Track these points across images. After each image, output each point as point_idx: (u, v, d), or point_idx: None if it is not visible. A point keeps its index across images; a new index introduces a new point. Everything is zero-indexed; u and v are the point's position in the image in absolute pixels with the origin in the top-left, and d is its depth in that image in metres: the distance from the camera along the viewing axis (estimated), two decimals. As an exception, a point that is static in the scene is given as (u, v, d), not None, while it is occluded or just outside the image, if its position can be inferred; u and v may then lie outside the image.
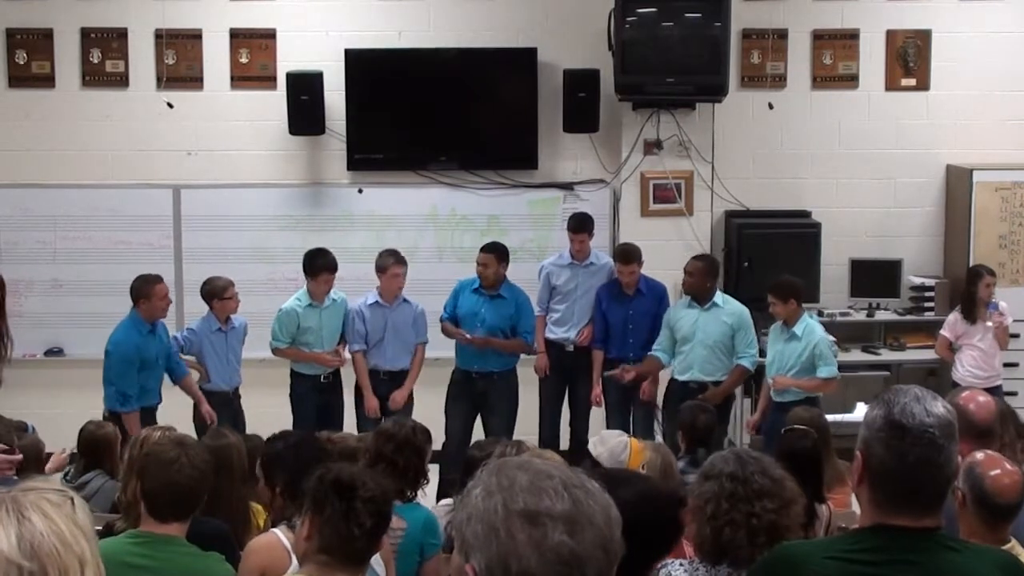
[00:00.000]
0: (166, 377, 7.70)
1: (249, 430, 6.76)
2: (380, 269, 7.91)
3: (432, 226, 9.09)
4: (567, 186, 9.16)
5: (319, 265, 7.86)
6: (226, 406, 7.80)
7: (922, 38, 9.26)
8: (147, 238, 9.06)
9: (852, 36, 9.25)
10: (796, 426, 5.30)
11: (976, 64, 9.23)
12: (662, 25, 8.66)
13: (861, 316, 9.16)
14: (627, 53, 8.52)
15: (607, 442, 4.59)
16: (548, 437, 8.20)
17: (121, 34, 9.05)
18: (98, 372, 8.88)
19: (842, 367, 7.98)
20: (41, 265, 9.06)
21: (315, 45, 9.03)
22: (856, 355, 8.99)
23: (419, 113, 9.12)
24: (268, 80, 9.08)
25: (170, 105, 9.04)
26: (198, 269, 8.53)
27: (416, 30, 9.08)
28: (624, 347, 8.09)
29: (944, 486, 2.50)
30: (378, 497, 3.34)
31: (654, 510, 3.03)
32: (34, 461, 5.57)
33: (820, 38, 9.25)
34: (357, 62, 8.94)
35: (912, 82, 9.29)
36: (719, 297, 7.91)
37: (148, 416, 7.29)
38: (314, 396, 7.94)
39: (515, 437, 6.81)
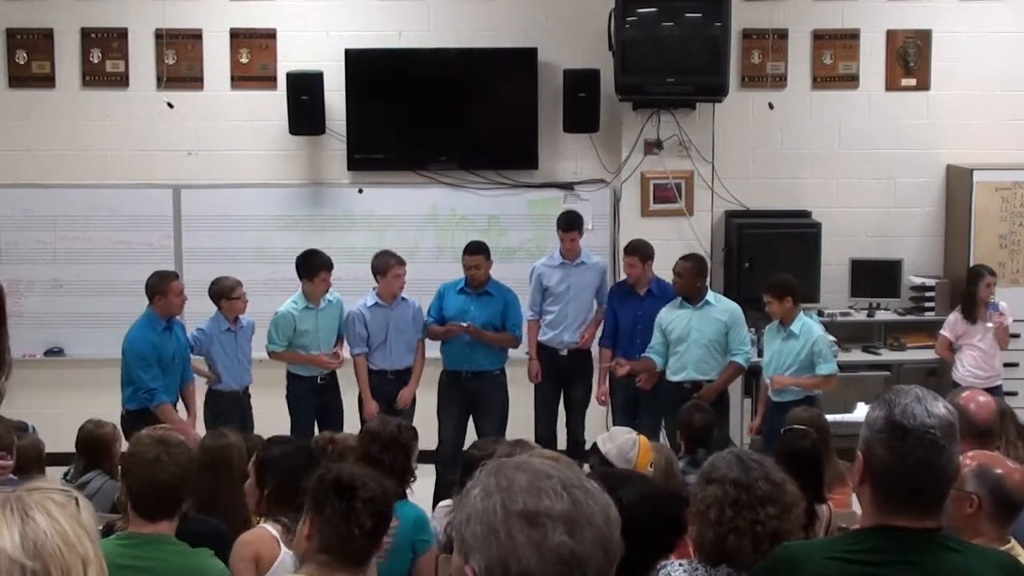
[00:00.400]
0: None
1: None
2: (380, 271, 7.89)
3: (432, 226, 9.09)
4: (567, 186, 9.17)
5: (316, 264, 7.86)
6: (236, 405, 7.78)
7: (922, 38, 9.26)
8: (147, 238, 9.06)
9: (852, 36, 9.26)
10: (796, 426, 5.30)
11: (976, 64, 9.23)
12: (662, 25, 8.66)
13: (861, 316, 9.16)
14: (627, 53, 8.52)
15: (616, 439, 4.58)
16: (544, 439, 8.16)
17: (121, 34, 9.05)
18: (98, 372, 8.91)
19: (842, 367, 7.99)
20: (41, 265, 9.06)
21: (315, 45, 9.03)
22: (856, 355, 8.99)
23: (419, 113, 9.12)
24: (268, 80, 9.08)
25: (170, 105, 9.04)
26: (198, 269, 8.53)
27: (416, 30, 9.08)
28: (631, 347, 8.05)
29: (945, 487, 2.50)
30: (378, 497, 3.34)
31: (655, 509, 3.03)
32: (35, 461, 5.57)
33: (820, 38, 9.25)
34: (357, 62, 8.94)
35: (912, 82, 9.30)
36: (711, 296, 7.91)
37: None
38: (311, 397, 7.94)
39: (512, 439, 6.79)
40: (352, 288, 8.23)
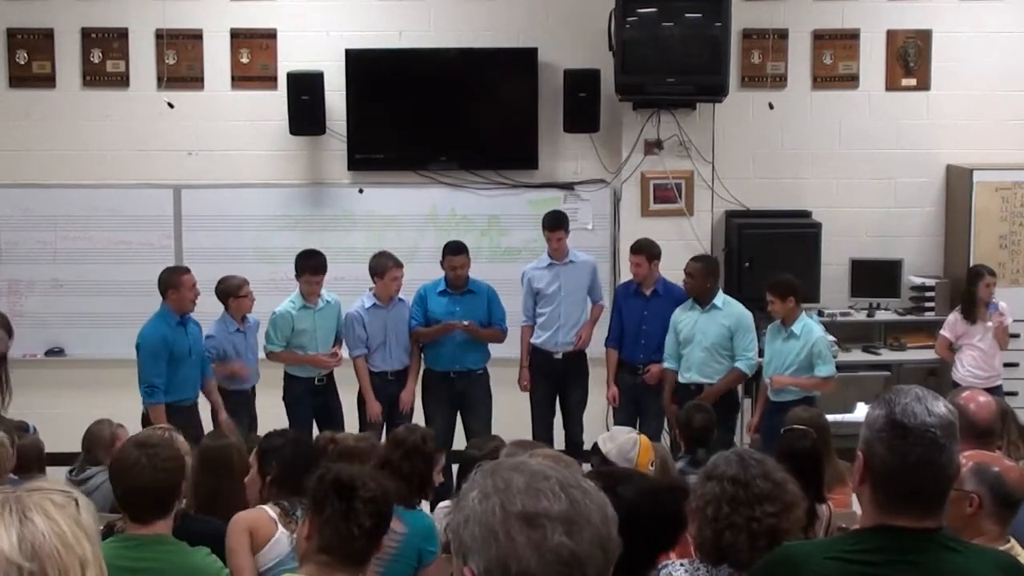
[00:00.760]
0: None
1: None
2: (377, 272, 7.89)
3: (432, 226, 9.08)
4: (567, 186, 9.17)
5: (299, 266, 7.88)
6: (245, 405, 7.79)
7: (922, 38, 9.26)
8: (147, 238, 9.06)
9: (852, 36, 9.25)
10: (795, 426, 5.30)
11: (976, 64, 9.23)
12: (662, 25, 8.65)
13: (861, 316, 9.16)
14: (627, 53, 8.52)
15: (616, 438, 4.59)
16: (541, 441, 8.16)
17: (122, 34, 9.06)
18: (98, 372, 8.95)
19: (842, 367, 7.99)
20: (41, 265, 9.06)
21: (315, 45, 9.03)
22: (856, 355, 8.98)
23: (419, 113, 9.12)
24: (269, 80, 9.08)
25: (171, 105, 9.04)
26: (199, 269, 8.47)
27: (416, 30, 9.08)
28: (636, 348, 8.03)
29: (946, 486, 2.50)
30: (378, 497, 3.34)
31: (655, 505, 3.03)
32: (35, 461, 5.57)
33: (820, 38, 9.25)
34: (357, 62, 8.94)
35: (912, 82, 9.30)
36: (719, 299, 7.87)
37: (184, 413, 7.18)
38: (309, 399, 7.92)
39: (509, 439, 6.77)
40: (352, 288, 8.24)
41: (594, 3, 8.81)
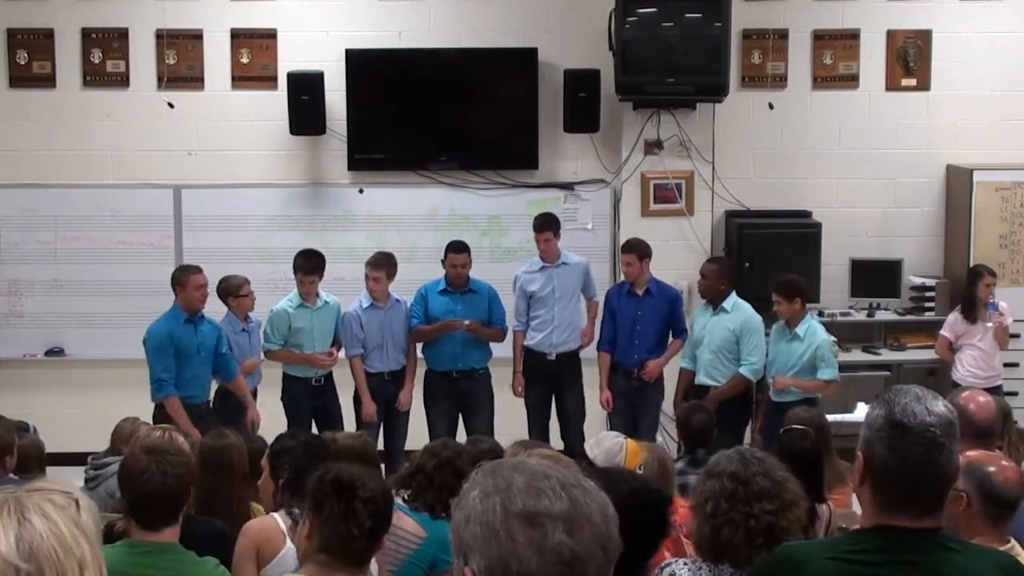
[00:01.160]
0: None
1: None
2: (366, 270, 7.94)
3: (432, 226, 9.07)
4: (567, 186, 9.17)
5: (295, 265, 7.89)
6: (247, 406, 7.79)
7: (922, 38, 9.26)
8: (147, 238, 9.06)
9: (852, 36, 9.25)
10: (795, 426, 5.30)
11: (976, 64, 9.24)
12: (662, 25, 8.65)
13: (861, 316, 9.16)
14: (627, 53, 8.52)
15: (603, 444, 4.62)
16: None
17: (122, 34, 9.05)
18: (98, 372, 8.96)
19: (842, 367, 7.98)
20: (41, 265, 9.05)
21: (316, 45, 9.03)
22: (856, 355, 8.99)
23: (419, 113, 9.12)
24: (269, 80, 9.08)
25: (171, 105, 9.04)
26: (199, 269, 8.53)
27: (416, 30, 9.08)
28: (630, 349, 8.00)
29: (945, 486, 2.50)
30: (377, 497, 3.34)
31: (630, 510, 3.03)
32: (35, 461, 5.57)
33: (820, 38, 9.25)
34: (358, 62, 8.94)
35: (912, 82, 9.30)
36: (729, 302, 7.84)
37: (191, 412, 7.18)
38: (308, 399, 7.91)
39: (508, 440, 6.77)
40: (352, 288, 8.23)
41: (594, 3, 8.81)
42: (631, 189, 9.00)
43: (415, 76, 9.04)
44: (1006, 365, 8.51)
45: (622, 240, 8.71)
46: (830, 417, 6.41)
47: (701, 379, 7.84)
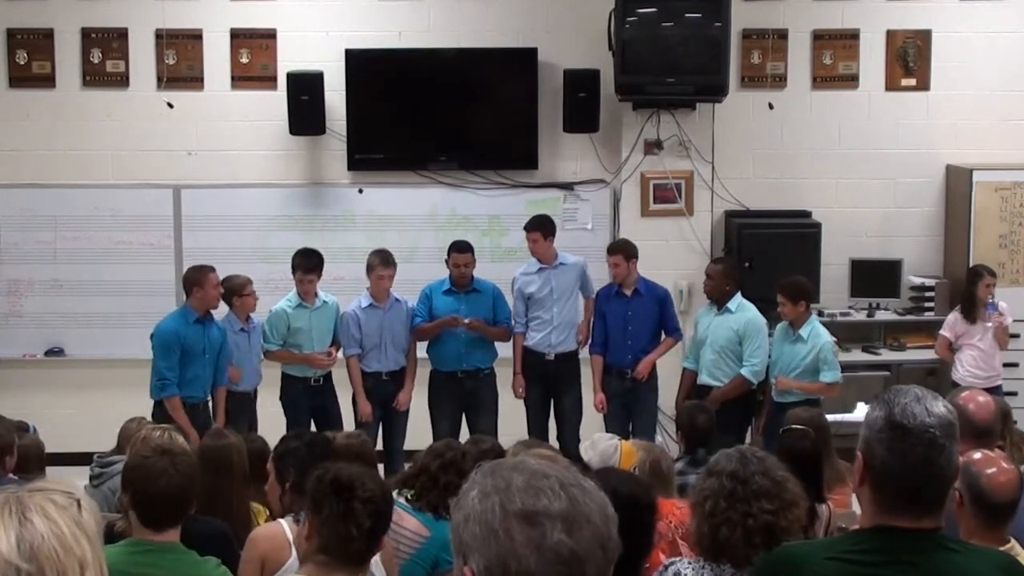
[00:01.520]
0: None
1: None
2: (368, 269, 7.91)
3: (432, 226, 9.08)
4: (567, 186, 9.17)
5: (294, 264, 7.89)
6: (247, 407, 7.77)
7: (922, 38, 9.26)
8: (147, 238, 9.06)
9: (852, 36, 9.25)
10: (795, 426, 5.30)
11: (976, 64, 9.24)
12: (662, 25, 8.65)
13: (861, 316, 9.16)
14: (627, 53, 8.52)
15: (597, 446, 4.63)
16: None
17: (121, 34, 9.05)
18: (98, 372, 8.96)
19: (842, 367, 7.97)
20: (41, 265, 9.05)
21: (315, 45, 9.03)
22: (856, 355, 8.99)
23: (419, 113, 9.12)
24: (268, 80, 9.08)
25: (170, 105, 9.04)
26: (198, 269, 8.53)
27: (416, 30, 9.08)
28: (623, 350, 7.99)
29: (945, 486, 2.50)
30: (377, 497, 3.34)
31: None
32: (35, 461, 5.57)
33: (820, 38, 9.25)
34: (357, 62, 8.94)
35: (912, 82, 9.30)
36: (734, 302, 7.83)
37: (190, 412, 7.20)
38: (307, 399, 7.90)
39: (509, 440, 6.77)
40: (352, 288, 8.24)
41: (594, 3, 8.81)
42: (631, 189, 9.00)
43: (415, 76, 9.04)
44: (1006, 365, 8.51)
45: (623, 240, 8.71)
46: (830, 417, 6.42)
47: (704, 379, 7.85)
